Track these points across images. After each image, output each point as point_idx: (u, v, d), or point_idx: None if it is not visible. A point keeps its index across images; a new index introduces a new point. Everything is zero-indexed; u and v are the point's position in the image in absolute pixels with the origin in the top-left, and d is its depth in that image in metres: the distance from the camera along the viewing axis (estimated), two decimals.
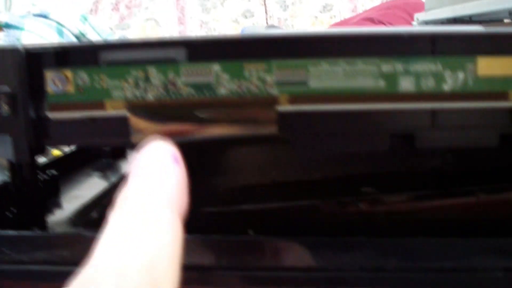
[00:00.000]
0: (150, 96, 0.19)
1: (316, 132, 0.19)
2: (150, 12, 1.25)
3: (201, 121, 0.19)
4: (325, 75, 0.19)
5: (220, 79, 0.19)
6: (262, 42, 0.19)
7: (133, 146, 0.20)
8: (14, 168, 0.22)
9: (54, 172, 0.27)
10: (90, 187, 0.28)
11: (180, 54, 0.19)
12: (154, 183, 0.14)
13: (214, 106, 0.19)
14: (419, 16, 0.48)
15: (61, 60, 0.20)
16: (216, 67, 0.19)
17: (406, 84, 0.19)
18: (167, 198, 0.14)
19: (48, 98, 0.20)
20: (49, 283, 0.20)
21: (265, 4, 1.36)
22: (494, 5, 0.42)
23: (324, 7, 1.48)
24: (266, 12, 1.29)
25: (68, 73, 0.20)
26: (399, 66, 0.19)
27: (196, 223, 0.23)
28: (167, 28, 1.31)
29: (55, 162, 0.29)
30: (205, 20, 1.30)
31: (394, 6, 1.21)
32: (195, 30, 1.34)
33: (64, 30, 0.58)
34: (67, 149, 0.32)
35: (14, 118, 0.20)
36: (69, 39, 0.59)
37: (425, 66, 0.19)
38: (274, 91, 0.19)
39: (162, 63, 0.19)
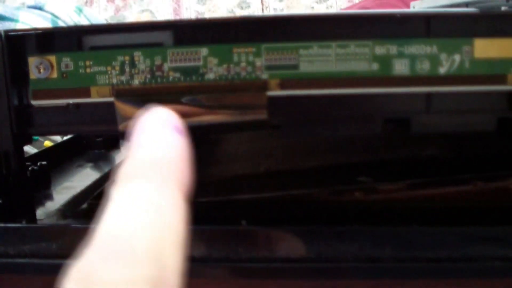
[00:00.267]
0: (137, 82, 0.19)
1: (308, 117, 0.18)
2: (146, 3, 1.24)
3: (189, 107, 0.18)
4: (317, 58, 0.18)
5: (208, 63, 0.18)
6: (251, 24, 0.18)
7: (120, 133, 0.19)
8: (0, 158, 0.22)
9: (44, 163, 0.26)
10: (81, 178, 0.28)
11: (167, 37, 0.19)
12: (157, 157, 0.13)
13: (202, 91, 0.18)
14: (415, 4, 0.47)
15: (44, 45, 0.19)
16: (204, 51, 0.18)
17: (400, 67, 0.18)
18: (170, 172, 0.13)
19: (32, 85, 0.19)
20: (37, 276, 0.20)
21: None
22: None
23: None
24: (262, 3, 1.28)
25: (52, 58, 0.19)
26: (393, 49, 0.18)
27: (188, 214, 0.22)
28: (162, 19, 1.30)
29: (46, 153, 0.28)
30: (200, 11, 1.29)
31: None
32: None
33: (59, 21, 0.58)
34: (59, 139, 0.32)
35: None
36: None
37: (420, 48, 0.18)
38: (264, 75, 0.18)
39: (148, 47, 0.18)
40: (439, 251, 0.19)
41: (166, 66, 0.18)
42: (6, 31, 0.19)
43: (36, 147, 0.36)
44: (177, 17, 1.25)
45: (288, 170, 0.29)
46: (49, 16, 0.57)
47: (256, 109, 0.18)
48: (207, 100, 0.18)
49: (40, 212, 0.23)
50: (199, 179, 0.26)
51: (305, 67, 0.18)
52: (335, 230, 0.20)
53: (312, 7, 1.28)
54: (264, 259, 0.19)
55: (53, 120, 0.19)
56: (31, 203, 0.23)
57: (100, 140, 0.32)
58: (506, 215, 0.21)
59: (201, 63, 0.18)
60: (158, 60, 0.18)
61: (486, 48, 0.18)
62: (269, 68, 0.18)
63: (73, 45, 0.19)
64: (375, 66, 0.18)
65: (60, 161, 0.30)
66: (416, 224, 0.20)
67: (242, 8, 1.31)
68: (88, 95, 0.19)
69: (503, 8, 0.42)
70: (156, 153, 0.14)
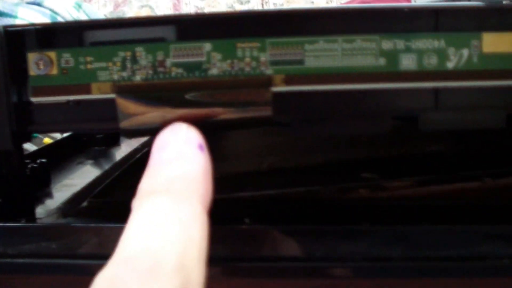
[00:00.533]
0: (138, 78, 0.18)
1: (314, 114, 0.18)
2: None
3: (192, 104, 0.18)
4: (322, 53, 0.18)
5: (212, 59, 0.18)
6: (256, 19, 0.18)
7: (122, 131, 0.19)
8: None
9: (44, 160, 0.26)
10: (82, 175, 0.28)
11: (169, 32, 0.18)
12: (179, 173, 0.14)
13: (205, 88, 0.18)
14: None
15: (44, 41, 0.19)
16: (207, 46, 0.18)
17: (407, 62, 0.18)
18: (193, 189, 0.13)
19: (31, 82, 0.19)
20: (37, 276, 0.20)
21: None
22: None
23: None
24: None
25: (52, 54, 0.19)
26: (400, 43, 0.18)
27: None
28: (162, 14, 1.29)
29: (46, 150, 0.28)
30: (200, 6, 1.28)
31: None
32: None
33: (58, 17, 0.57)
34: (58, 136, 0.31)
35: None
36: None
37: (427, 43, 0.18)
38: (269, 71, 0.18)
39: (150, 43, 0.18)
40: (448, 250, 0.19)
41: (168, 62, 0.18)
42: (5, 27, 0.18)
43: (36, 144, 0.35)
44: (177, 13, 1.24)
45: (292, 167, 0.29)
46: (48, 12, 0.57)
47: (260, 106, 0.18)
48: (210, 96, 0.18)
49: (40, 211, 0.23)
50: None
51: (311, 62, 0.18)
52: (342, 229, 0.19)
53: (312, 2, 1.28)
54: (268, 258, 0.18)
55: (54, 118, 0.19)
56: (30, 202, 0.23)
57: (100, 137, 0.32)
58: None
59: (204, 58, 0.18)
60: (160, 56, 0.18)
61: (494, 43, 0.18)
62: (273, 63, 0.18)
63: (74, 40, 0.18)
64: (382, 61, 0.18)
65: (60, 158, 0.29)
66: (424, 221, 0.20)
67: (242, 3, 1.30)
68: (89, 91, 0.19)
69: (504, 2, 0.42)
70: (179, 169, 0.14)
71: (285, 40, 0.18)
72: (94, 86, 0.18)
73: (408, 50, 0.18)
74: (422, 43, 0.18)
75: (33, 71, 0.19)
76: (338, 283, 0.18)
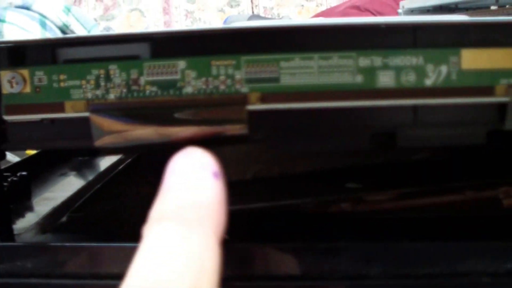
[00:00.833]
0: (112, 96, 0.18)
1: (290, 132, 0.18)
2: (135, 2, 1.23)
3: (167, 122, 0.18)
4: (298, 71, 0.17)
5: (186, 76, 0.18)
6: (231, 36, 0.18)
7: (96, 149, 0.18)
8: None
9: (24, 173, 0.25)
10: (64, 188, 0.27)
11: (143, 50, 0.18)
12: (193, 200, 0.13)
13: (179, 106, 0.18)
14: (405, 3, 0.46)
15: (16, 59, 0.18)
16: (181, 63, 0.18)
17: (385, 79, 0.17)
18: (205, 217, 0.13)
19: (4, 100, 0.18)
20: None
21: None
22: None
23: None
24: (251, 1, 1.27)
25: (25, 72, 0.18)
26: (377, 60, 0.17)
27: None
28: (152, 18, 1.28)
29: (27, 162, 0.28)
30: (190, 9, 1.28)
31: None
32: (180, 20, 1.31)
33: (47, 21, 0.57)
34: None
35: None
36: (52, 31, 0.57)
37: (405, 59, 0.17)
38: (244, 89, 0.17)
39: (124, 60, 0.18)
40: (429, 267, 0.18)
41: (142, 80, 0.18)
42: None
43: (19, 156, 0.35)
44: (167, 16, 1.24)
45: (276, 176, 0.29)
46: (37, 16, 0.56)
47: (236, 124, 0.18)
48: (186, 115, 0.18)
49: (19, 225, 0.23)
50: None
51: (287, 80, 0.17)
52: (322, 246, 0.19)
53: (302, 5, 1.27)
54: (245, 278, 0.18)
55: (28, 136, 0.19)
56: (7, 218, 0.22)
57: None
58: (496, 225, 0.21)
59: (178, 76, 0.18)
60: (134, 74, 0.18)
61: (473, 59, 0.17)
62: (249, 81, 0.17)
63: (47, 58, 0.18)
64: (359, 78, 0.17)
65: (42, 169, 0.29)
66: (404, 236, 0.20)
67: (231, 6, 1.30)
68: (62, 110, 0.18)
69: (492, 8, 0.42)
70: (192, 196, 0.13)
71: (260, 58, 0.17)
72: (67, 104, 0.18)
73: (385, 67, 0.17)
74: (400, 59, 0.17)
75: (5, 89, 0.18)
76: None
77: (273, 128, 0.18)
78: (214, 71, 0.17)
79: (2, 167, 0.23)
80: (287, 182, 0.28)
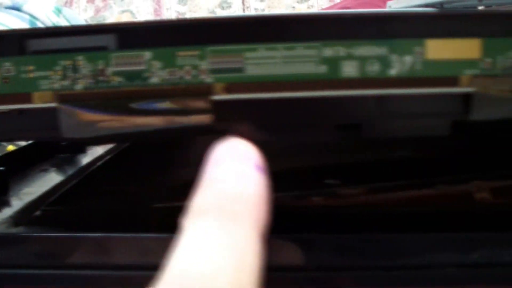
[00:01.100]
0: (80, 87, 0.18)
1: (255, 122, 0.18)
2: (126, 3, 1.23)
3: (133, 112, 0.18)
4: (263, 61, 0.17)
5: (152, 67, 0.18)
6: (196, 27, 0.18)
7: (64, 139, 0.18)
8: None
9: (1, 168, 0.25)
10: (43, 183, 0.27)
11: (110, 41, 0.18)
12: (235, 192, 0.13)
13: (146, 96, 0.18)
14: (391, 3, 0.46)
15: None
16: (147, 54, 0.18)
17: (349, 70, 0.17)
18: (249, 212, 0.13)
19: None
20: None
21: None
22: None
23: None
24: (243, 3, 1.27)
25: None
26: (341, 50, 0.17)
27: (145, 220, 0.22)
28: (143, 20, 1.28)
29: (6, 158, 0.28)
30: (181, 11, 1.28)
31: None
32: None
33: (37, 22, 0.57)
34: (23, 143, 0.31)
35: None
36: None
37: (369, 49, 0.17)
38: (209, 79, 0.18)
39: (91, 52, 0.18)
40: (396, 259, 0.19)
41: (109, 71, 0.18)
42: None
43: None
44: (158, 18, 1.24)
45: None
46: (27, 17, 0.57)
47: (201, 114, 0.18)
48: (152, 105, 0.18)
49: None
50: (160, 184, 0.26)
51: (251, 70, 0.17)
52: (293, 238, 0.19)
53: (293, 7, 1.27)
54: None
55: None
56: None
57: (65, 143, 0.32)
58: (468, 219, 0.21)
59: (144, 67, 0.18)
60: (101, 65, 0.18)
61: (438, 49, 0.17)
62: (214, 71, 0.17)
63: (15, 49, 0.18)
64: (323, 69, 0.17)
65: (22, 166, 0.29)
66: (375, 230, 0.20)
67: (223, 8, 1.30)
68: (30, 101, 0.18)
69: (479, 8, 0.42)
70: (236, 189, 0.13)
71: (225, 48, 0.17)
72: (36, 95, 0.18)
73: (349, 57, 0.17)
74: (364, 50, 0.17)
75: None
76: None
77: (239, 119, 0.18)
78: (179, 61, 0.18)
79: None
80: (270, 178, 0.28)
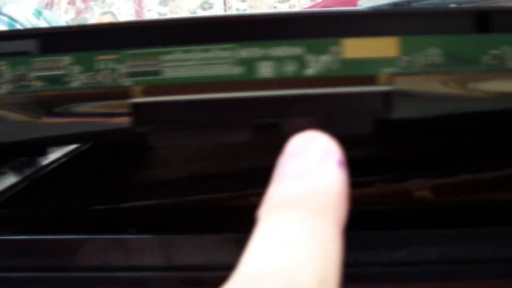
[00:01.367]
0: (3, 92, 0.18)
1: (175, 123, 0.18)
2: (107, 5, 1.23)
3: (56, 116, 0.18)
4: (180, 64, 0.17)
5: (72, 71, 0.18)
6: (113, 31, 0.18)
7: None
8: None
9: None
10: None
11: (32, 46, 0.18)
12: (318, 187, 0.12)
13: (67, 101, 0.18)
14: (362, 2, 0.46)
15: None
16: (67, 59, 0.18)
17: (265, 70, 0.17)
18: (330, 207, 0.12)
19: None
20: None
21: None
22: None
23: None
24: (224, 4, 1.27)
25: None
26: (257, 51, 0.17)
27: (80, 222, 0.22)
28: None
29: None
30: (163, 12, 1.28)
31: None
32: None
33: (16, 25, 0.57)
34: None
35: None
36: None
37: (285, 50, 0.17)
38: (127, 82, 0.18)
39: (13, 56, 0.18)
40: None
41: (31, 75, 0.18)
42: None
43: None
44: (139, 19, 1.25)
45: (216, 174, 0.29)
46: (6, 19, 0.57)
47: (120, 117, 0.18)
48: (73, 109, 0.18)
49: None
50: (97, 187, 0.26)
51: (168, 73, 0.18)
52: (230, 237, 0.19)
53: (275, 7, 1.27)
54: (134, 268, 0.19)
55: None
56: None
57: (23, 147, 0.32)
58: (407, 217, 0.21)
59: (65, 71, 0.18)
60: (23, 70, 0.18)
61: (355, 48, 0.17)
62: (132, 75, 0.18)
63: None
64: (239, 70, 0.17)
65: None
66: None
67: (204, 9, 1.30)
68: None
69: (452, 5, 0.42)
70: (318, 183, 0.13)
71: (142, 52, 0.18)
72: None
73: (265, 58, 0.17)
74: (280, 50, 0.17)
75: None
76: None
77: (158, 121, 0.18)
78: (98, 65, 0.18)
79: None
80: (223, 179, 0.28)
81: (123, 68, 0.18)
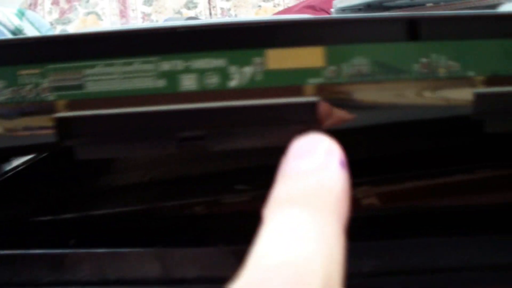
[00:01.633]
0: None
1: (99, 137, 0.18)
2: (91, 5, 1.23)
3: None
4: (102, 77, 0.17)
5: None
6: (36, 45, 0.18)
7: None
8: None
9: None
10: None
11: None
12: (321, 185, 0.13)
13: None
14: (337, 3, 0.45)
15: None
16: None
17: (188, 83, 0.17)
18: (334, 206, 0.13)
19: None
20: None
21: None
22: None
23: None
24: (209, 3, 1.26)
25: None
26: (179, 64, 0.17)
27: (23, 234, 0.22)
28: (108, 21, 1.28)
29: None
30: (147, 12, 1.28)
31: None
32: (137, 22, 1.32)
33: None
34: None
35: None
36: (3, 35, 0.58)
37: (207, 62, 0.17)
38: (51, 97, 0.18)
39: None
40: None
41: None
42: None
43: None
44: (124, 19, 1.24)
45: (173, 179, 0.29)
46: None
47: (45, 132, 0.18)
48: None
49: None
50: (40, 197, 0.26)
51: (91, 87, 0.17)
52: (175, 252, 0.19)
53: (260, 6, 1.26)
54: (68, 282, 0.18)
55: None
56: None
57: None
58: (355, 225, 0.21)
59: None
60: None
61: (279, 59, 0.17)
62: (55, 89, 0.18)
63: None
64: (161, 83, 0.17)
65: None
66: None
67: (189, 8, 1.30)
68: None
69: (428, 5, 0.41)
70: (322, 182, 0.13)
71: (65, 66, 0.17)
72: None
73: (188, 70, 0.17)
74: (203, 62, 0.17)
75: None
76: None
77: (83, 135, 0.18)
78: (21, 80, 0.18)
79: None
80: (178, 184, 0.28)
81: (46, 83, 0.17)
